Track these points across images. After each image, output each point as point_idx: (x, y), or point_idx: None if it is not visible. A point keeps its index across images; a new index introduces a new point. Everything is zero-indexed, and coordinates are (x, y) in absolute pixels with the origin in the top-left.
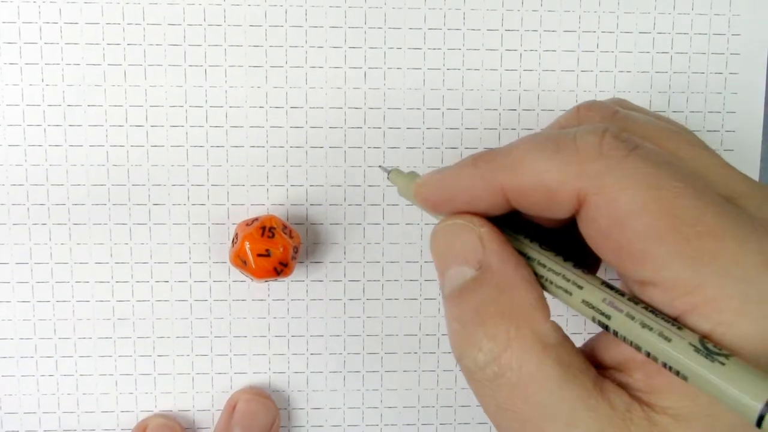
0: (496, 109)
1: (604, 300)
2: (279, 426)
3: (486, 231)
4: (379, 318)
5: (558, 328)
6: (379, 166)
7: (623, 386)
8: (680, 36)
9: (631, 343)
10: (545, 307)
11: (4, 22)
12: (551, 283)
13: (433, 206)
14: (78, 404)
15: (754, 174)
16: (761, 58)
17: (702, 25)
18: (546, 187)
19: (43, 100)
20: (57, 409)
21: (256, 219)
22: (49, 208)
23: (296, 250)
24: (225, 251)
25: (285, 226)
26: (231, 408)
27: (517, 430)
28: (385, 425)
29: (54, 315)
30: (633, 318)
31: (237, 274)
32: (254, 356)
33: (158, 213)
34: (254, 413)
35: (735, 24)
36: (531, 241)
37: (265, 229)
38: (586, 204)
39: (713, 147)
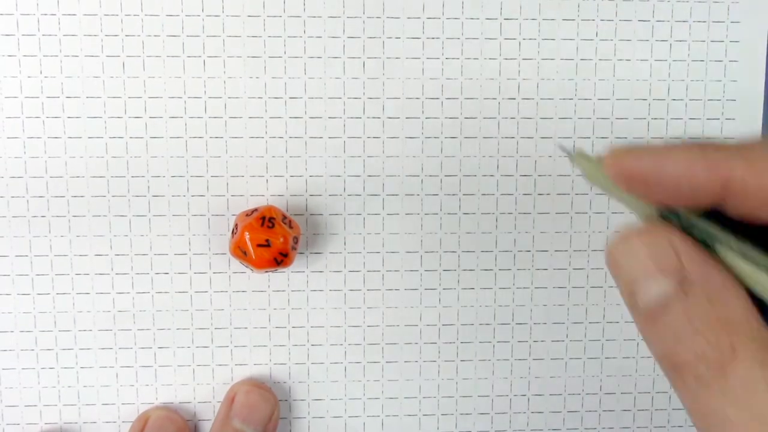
0: (495, 98)
1: None
2: (278, 417)
3: (678, 239)
4: (379, 308)
5: None
6: (560, 146)
7: None
8: (679, 24)
9: None
10: (757, 314)
11: (1, 14)
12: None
13: (628, 182)
14: (79, 397)
15: None
16: (761, 45)
17: (701, 12)
18: (690, 176)
19: (42, 92)
20: (58, 402)
21: (256, 209)
22: (48, 201)
23: (296, 240)
24: (225, 242)
25: (285, 217)
26: (230, 400)
27: None
28: (387, 416)
29: (54, 307)
30: None
31: (237, 265)
32: (255, 347)
33: (157, 204)
34: (253, 405)
35: (734, 11)
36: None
37: (265, 220)
38: (733, 184)
39: (713, 136)
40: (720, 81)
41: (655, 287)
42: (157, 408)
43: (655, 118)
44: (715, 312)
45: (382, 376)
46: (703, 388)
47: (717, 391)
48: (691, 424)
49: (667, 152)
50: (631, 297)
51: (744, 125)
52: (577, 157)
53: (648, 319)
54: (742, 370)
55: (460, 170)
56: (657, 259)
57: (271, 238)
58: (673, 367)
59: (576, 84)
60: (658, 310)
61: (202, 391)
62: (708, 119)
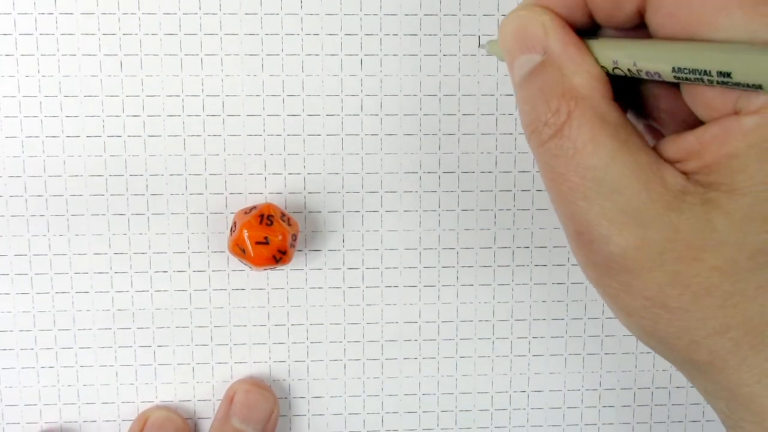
0: (492, 95)
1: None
2: (278, 416)
3: (549, 18)
4: (378, 305)
5: (619, 110)
6: (480, 46)
7: (683, 173)
8: None
9: (700, 72)
10: (606, 88)
11: None
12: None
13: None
14: (78, 396)
15: None
16: None
17: None
18: None
19: (40, 91)
20: (57, 401)
21: (254, 207)
22: (46, 200)
23: (295, 237)
24: (223, 240)
25: (283, 214)
26: (229, 399)
27: (568, 196)
28: (386, 413)
29: (53, 306)
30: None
31: (236, 263)
32: (254, 345)
33: (156, 203)
34: (252, 404)
35: None
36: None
37: (264, 217)
38: None
39: None
40: None
41: (525, 61)
42: (157, 408)
43: None
44: (562, 83)
45: (382, 373)
46: (544, 150)
47: (552, 150)
48: (693, 419)
49: None
50: (509, 68)
51: None
52: (489, 45)
53: (517, 90)
54: (573, 130)
55: (459, 167)
56: (527, 36)
57: (270, 236)
58: (528, 134)
59: None
60: (524, 81)
61: (202, 390)
62: None
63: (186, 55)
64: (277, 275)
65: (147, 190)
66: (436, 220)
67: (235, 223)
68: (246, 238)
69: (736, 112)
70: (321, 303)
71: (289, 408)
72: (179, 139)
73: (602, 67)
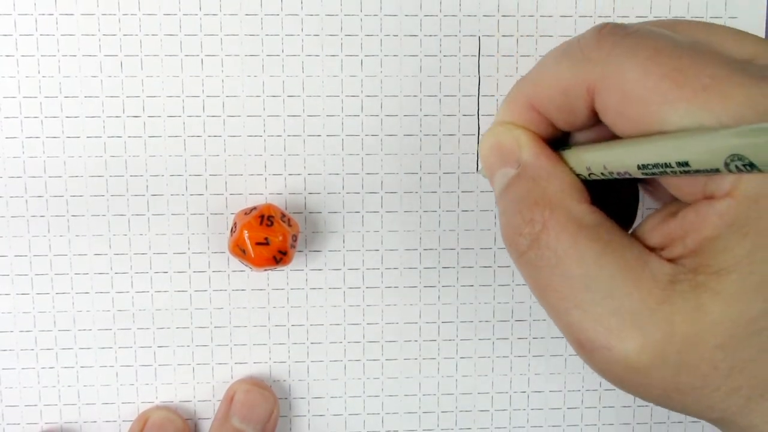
0: (493, 95)
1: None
2: (278, 416)
3: (521, 132)
4: (378, 306)
5: (596, 211)
6: (477, 171)
7: (669, 260)
8: None
9: (662, 166)
10: (581, 193)
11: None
12: (596, 169)
13: (520, 118)
14: (79, 396)
15: None
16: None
17: (698, 8)
18: (562, 89)
19: (40, 92)
20: (58, 402)
21: (255, 208)
22: (47, 200)
23: (295, 238)
24: (224, 241)
25: (283, 215)
26: (229, 399)
27: (560, 307)
28: (387, 414)
29: (53, 307)
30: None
31: (236, 263)
32: (254, 346)
33: (156, 203)
34: (252, 404)
35: (731, 7)
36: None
37: (264, 218)
38: (597, 92)
39: None
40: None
41: (502, 174)
42: (157, 408)
43: None
44: (535, 193)
45: (382, 374)
46: (524, 261)
47: (533, 260)
48: (693, 420)
49: (505, 104)
50: (491, 182)
51: None
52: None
53: (497, 203)
54: (551, 239)
55: (459, 167)
56: (503, 151)
57: (270, 237)
58: (507, 246)
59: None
60: (502, 193)
61: (202, 390)
62: None
63: (186, 55)
64: (277, 276)
65: (147, 190)
66: (437, 221)
67: (235, 223)
68: (246, 238)
69: (709, 196)
70: (321, 304)
71: (290, 408)
72: (179, 140)
73: (578, 174)
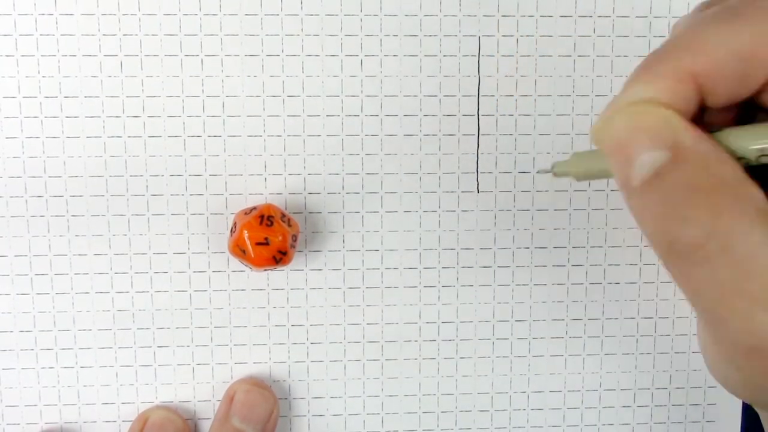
0: (493, 95)
1: None
2: (278, 416)
3: (671, 112)
4: (378, 306)
5: None
6: (537, 172)
7: None
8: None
9: None
10: (751, 180)
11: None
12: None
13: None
14: (79, 396)
15: None
16: None
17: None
18: (739, 56)
19: (40, 92)
20: (58, 402)
21: (254, 208)
22: (47, 200)
23: (295, 238)
24: (224, 241)
25: (283, 215)
26: (229, 398)
27: (743, 314)
28: (386, 414)
29: (53, 307)
30: None
31: (236, 263)
32: (254, 346)
33: (156, 203)
34: (252, 403)
35: None
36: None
37: (264, 218)
38: None
39: None
40: None
41: (650, 158)
42: (157, 408)
43: None
44: (707, 178)
45: (382, 374)
46: (697, 258)
47: (712, 256)
48: (693, 420)
49: (638, 77)
50: (623, 170)
51: None
52: (557, 168)
53: (642, 192)
54: (736, 230)
55: (459, 167)
56: (653, 131)
57: (270, 237)
58: (668, 242)
59: (574, 81)
60: (652, 181)
61: (202, 390)
62: None
63: (186, 55)
64: (277, 276)
65: (147, 190)
66: (437, 221)
67: (235, 223)
68: (246, 238)
69: None
70: (321, 304)
71: (290, 408)
72: (179, 140)
73: (740, 158)
